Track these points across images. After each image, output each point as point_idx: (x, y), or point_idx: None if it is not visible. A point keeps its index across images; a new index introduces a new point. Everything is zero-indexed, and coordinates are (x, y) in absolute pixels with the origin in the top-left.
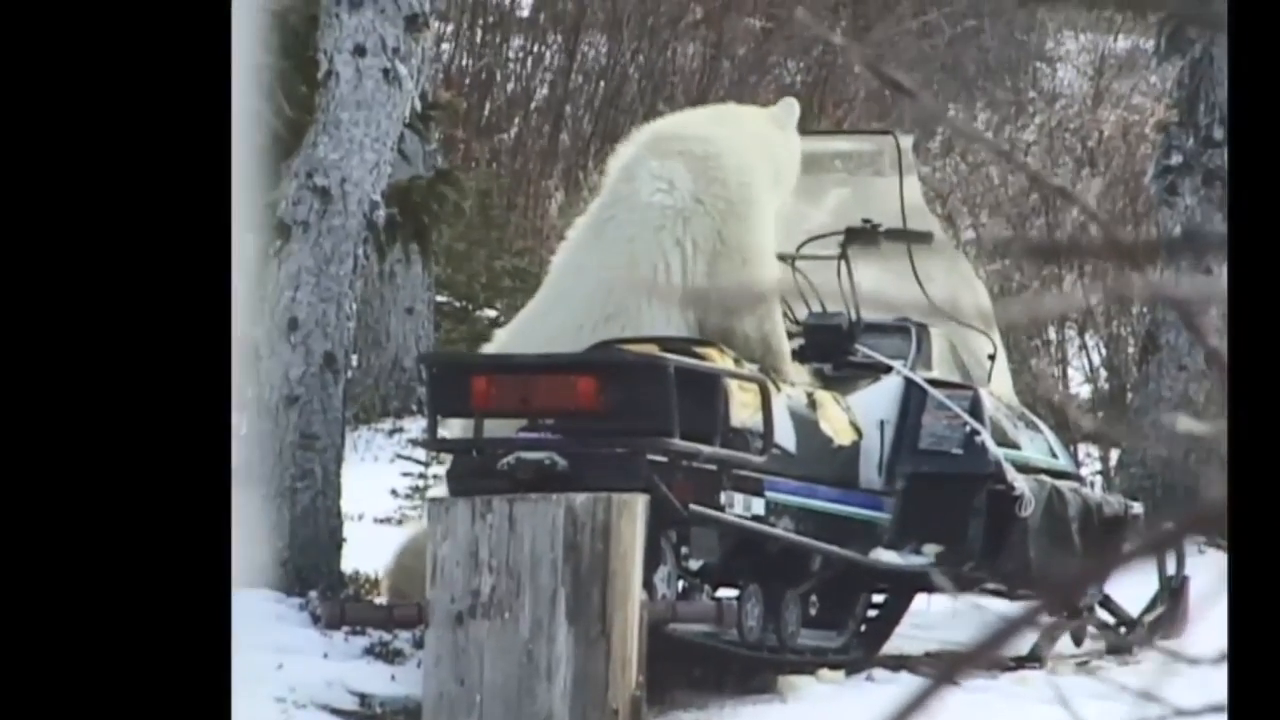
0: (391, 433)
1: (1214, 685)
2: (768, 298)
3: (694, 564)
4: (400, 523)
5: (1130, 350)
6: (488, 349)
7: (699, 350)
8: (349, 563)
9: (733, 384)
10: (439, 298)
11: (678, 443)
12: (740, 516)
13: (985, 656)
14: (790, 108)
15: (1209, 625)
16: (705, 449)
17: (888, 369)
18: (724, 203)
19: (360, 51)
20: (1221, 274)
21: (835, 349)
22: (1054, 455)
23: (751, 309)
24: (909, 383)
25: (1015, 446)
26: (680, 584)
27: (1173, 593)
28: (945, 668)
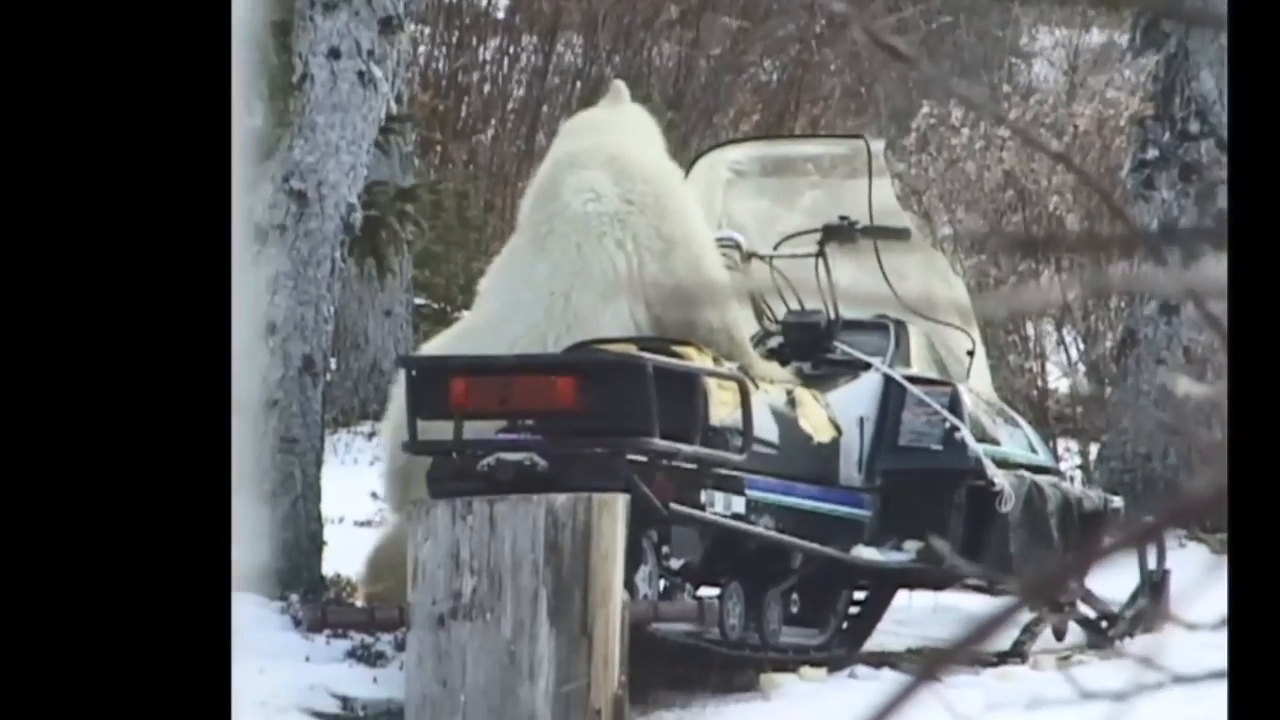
0: (371, 435)
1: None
2: (723, 288)
3: (675, 563)
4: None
5: (1108, 345)
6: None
7: (677, 349)
8: (330, 566)
9: (712, 382)
10: (417, 300)
11: (657, 442)
12: (721, 515)
13: (967, 653)
14: (618, 90)
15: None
16: (685, 448)
17: (867, 366)
18: (652, 198)
19: (335, 54)
20: (1201, 266)
21: (814, 347)
22: (1033, 450)
23: (712, 301)
24: (888, 380)
25: (995, 442)
26: (662, 583)
27: (1154, 586)
28: (928, 664)
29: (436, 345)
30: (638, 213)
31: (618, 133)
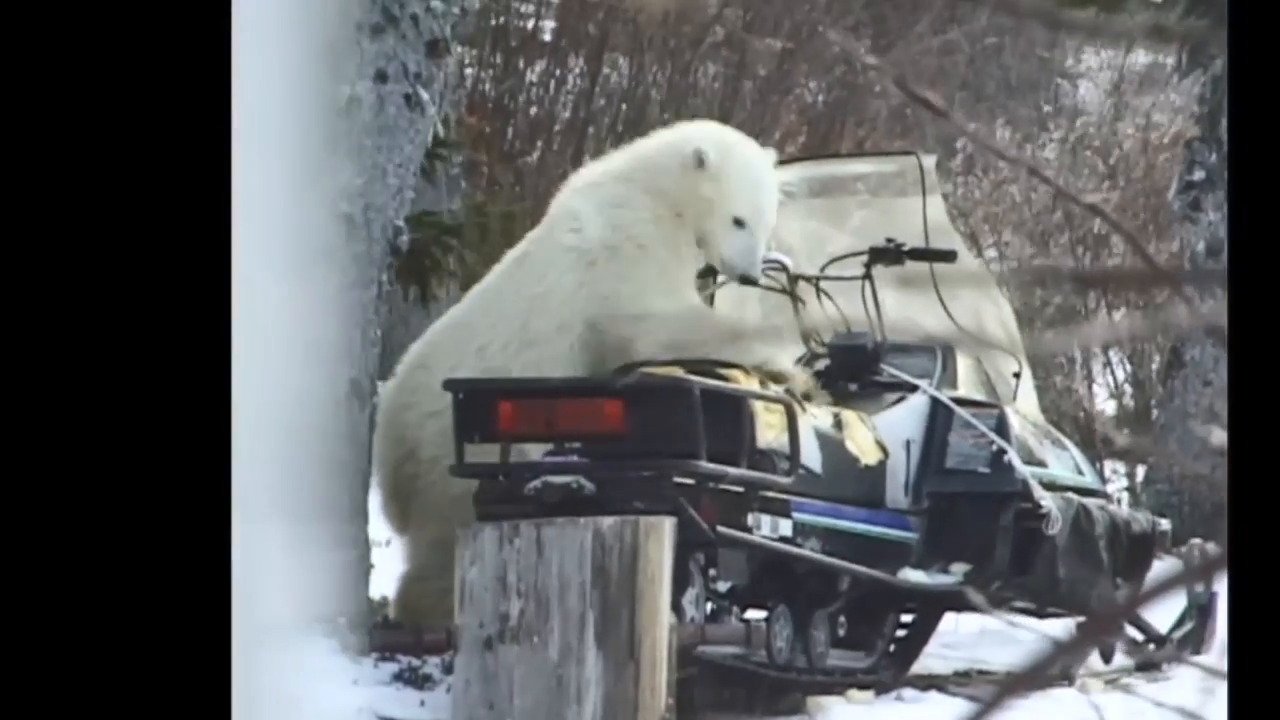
0: None
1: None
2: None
3: (722, 586)
4: None
5: (1154, 366)
6: (416, 347)
7: (724, 372)
8: (376, 589)
9: (758, 405)
10: None
11: (704, 465)
12: (768, 538)
13: (1032, 679)
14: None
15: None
16: (732, 471)
17: (914, 388)
18: (634, 246)
19: (382, 78)
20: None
21: (861, 369)
22: (1080, 472)
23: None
24: (935, 402)
25: (1042, 464)
26: (709, 606)
27: (1200, 609)
28: (994, 692)
29: (426, 337)
30: (610, 259)
31: (646, 176)
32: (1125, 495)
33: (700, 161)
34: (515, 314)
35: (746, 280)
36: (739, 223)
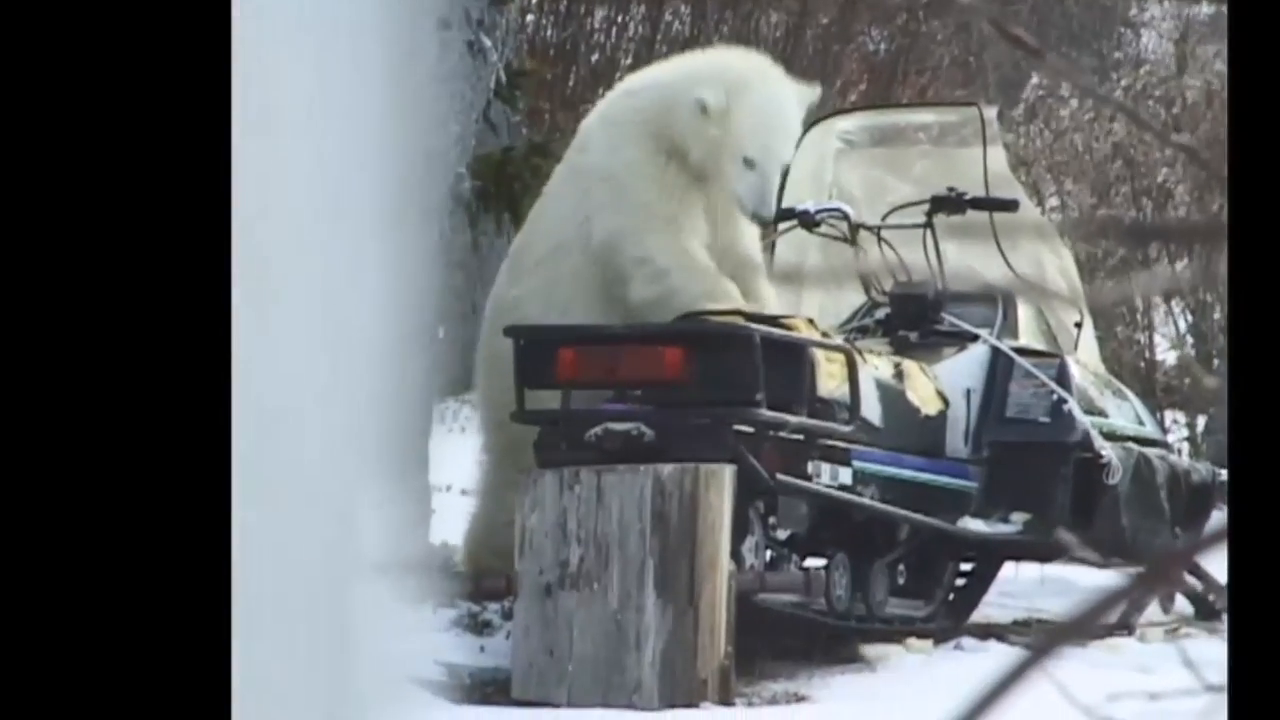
0: None
1: None
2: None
3: (781, 534)
4: None
5: (1216, 316)
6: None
7: (784, 320)
8: (437, 534)
9: (819, 353)
10: None
11: (764, 413)
12: (828, 486)
13: (1079, 628)
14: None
15: None
16: (792, 419)
17: (974, 338)
18: (632, 178)
19: (445, 25)
20: None
21: (922, 318)
22: (1141, 422)
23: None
24: (995, 351)
25: (1102, 414)
26: (768, 554)
27: None
28: (1046, 639)
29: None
30: (606, 188)
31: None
32: (1185, 445)
33: (703, 109)
34: (529, 233)
35: (758, 219)
36: (749, 163)
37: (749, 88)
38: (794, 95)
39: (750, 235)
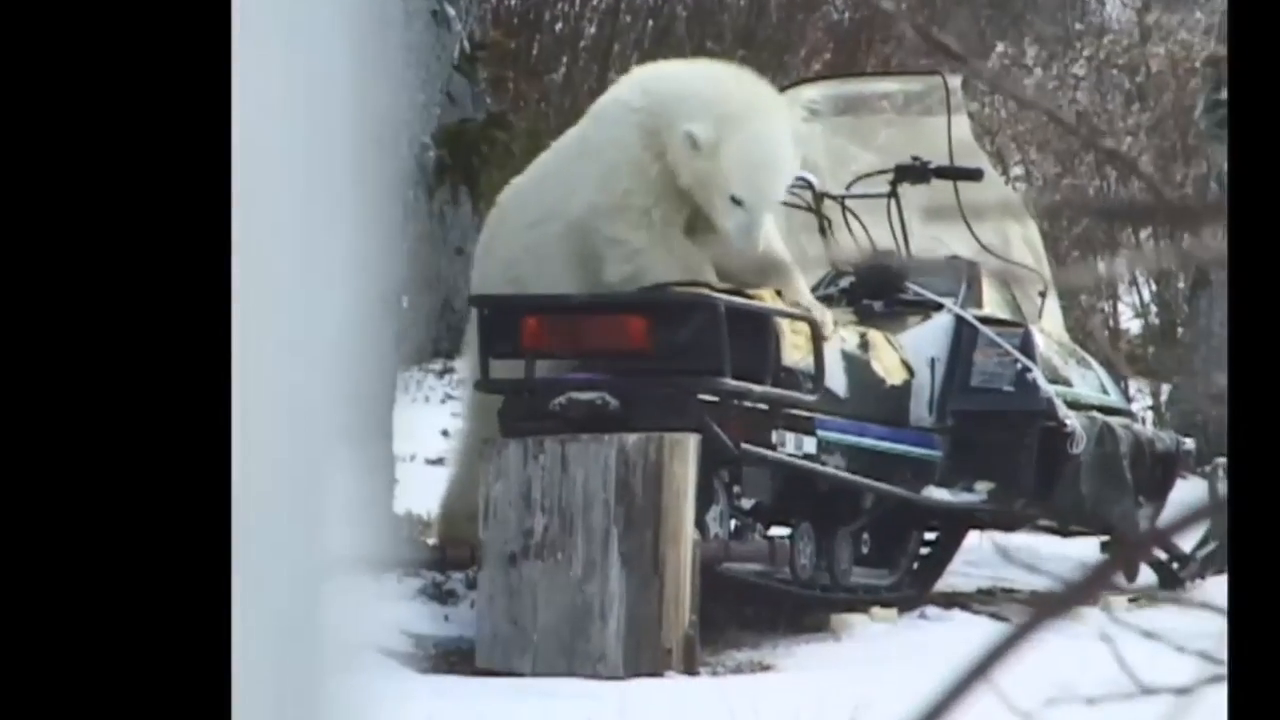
0: (442, 373)
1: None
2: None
3: (746, 503)
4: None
5: (1180, 285)
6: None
7: (749, 290)
8: (400, 504)
9: (784, 323)
10: None
11: (729, 382)
12: (792, 455)
13: (1048, 605)
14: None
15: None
16: (756, 388)
17: (938, 307)
18: (616, 156)
19: None
20: None
21: (886, 287)
22: (1105, 392)
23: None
24: (960, 320)
25: (1066, 383)
26: (733, 523)
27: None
28: (1027, 620)
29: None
30: (590, 163)
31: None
32: (1149, 414)
33: (693, 143)
34: (524, 189)
35: (745, 253)
36: (736, 200)
37: (741, 123)
38: (789, 129)
39: (774, 236)
